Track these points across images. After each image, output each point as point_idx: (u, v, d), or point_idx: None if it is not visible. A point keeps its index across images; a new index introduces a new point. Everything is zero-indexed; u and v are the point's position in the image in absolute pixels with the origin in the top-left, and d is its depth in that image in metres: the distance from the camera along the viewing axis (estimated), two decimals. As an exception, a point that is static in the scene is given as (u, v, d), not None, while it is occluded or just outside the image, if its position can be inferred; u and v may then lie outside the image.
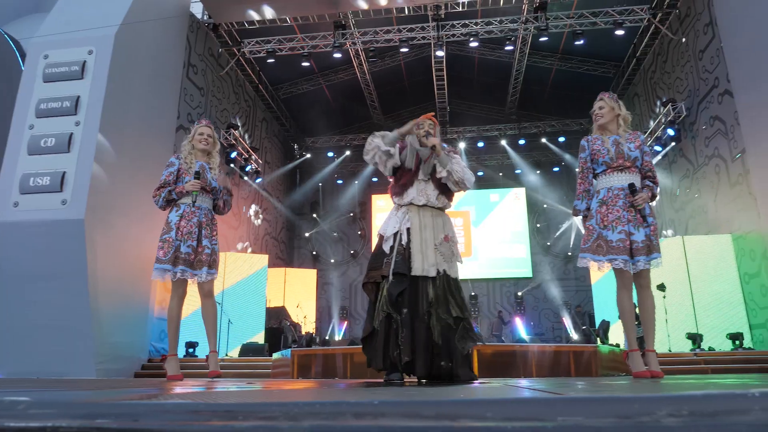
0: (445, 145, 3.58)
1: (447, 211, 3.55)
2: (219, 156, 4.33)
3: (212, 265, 4.04)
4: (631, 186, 3.48)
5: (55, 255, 6.96)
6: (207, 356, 4.06)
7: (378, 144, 3.46)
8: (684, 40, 10.75)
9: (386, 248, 3.34)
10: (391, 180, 3.57)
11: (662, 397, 0.72)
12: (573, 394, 1.04)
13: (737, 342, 8.46)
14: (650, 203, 3.56)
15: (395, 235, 3.34)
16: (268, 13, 11.10)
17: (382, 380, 3.27)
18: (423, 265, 3.20)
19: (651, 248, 3.43)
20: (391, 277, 3.19)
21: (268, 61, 12.85)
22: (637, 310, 3.75)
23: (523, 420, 0.69)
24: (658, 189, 3.64)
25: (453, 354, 3.11)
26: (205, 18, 11.37)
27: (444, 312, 3.16)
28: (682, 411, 0.68)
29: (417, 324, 3.12)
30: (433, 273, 3.20)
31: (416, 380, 3.24)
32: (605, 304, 10.68)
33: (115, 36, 7.84)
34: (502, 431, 0.67)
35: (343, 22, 12.00)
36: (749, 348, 8.47)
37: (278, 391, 1.95)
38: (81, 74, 7.62)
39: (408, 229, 3.32)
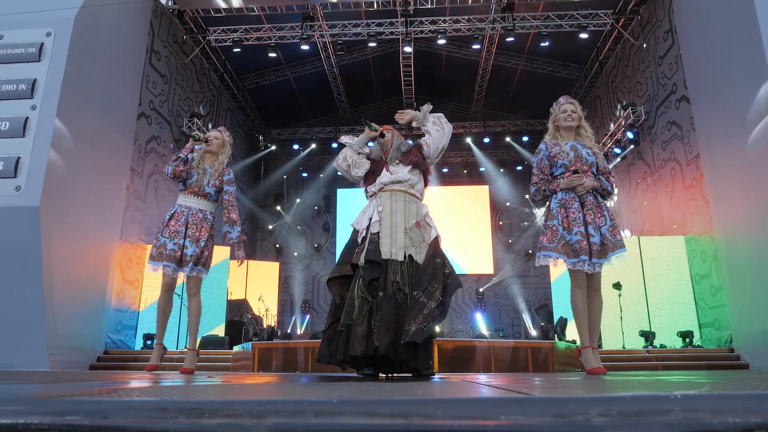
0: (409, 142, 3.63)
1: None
2: (227, 159, 4.46)
3: (197, 262, 4.13)
4: (575, 172, 3.60)
5: (8, 243, 6.74)
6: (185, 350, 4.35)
7: (347, 152, 3.62)
8: (645, 45, 11.04)
9: (359, 239, 3.35)
10: (363, 186, 3.61)
11: (594, 398, 0.78)
12: (514, 395, 1.08)
13: (687, 340, 8.77)
14: (606, 202, 3.65)
15: (368, 227, 3.34)
16: (235, 1, 10.94)
17: (341, 374, 3.28)
18: (391, 248, 3.20)
19: (608, 248, 3.49)
20: (363, 263, 3.18)
21: (234, 50, 12.67)
22: None
23: (469, 419, 0.72)
24: (613, 189, 3.70)
25: (414, 346, 3.10)
26: (170, 4, 11.13)
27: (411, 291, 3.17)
28: (611, 411, 0.73)
29: (384, 303, 3.11)
30: (400, 257, 3.18)
31: (376, 374, 3.26)
32: (564, 302, 10.92)
33: (75, 18, 7.61)
34: (450, 429, 0.70)
35: (312, 14, 11.91)
36: (698, 346, 8.79)
37: (240, 386, 1.95)
38: (38, 56, 7.37)
39: (379, 212, 3.33)
